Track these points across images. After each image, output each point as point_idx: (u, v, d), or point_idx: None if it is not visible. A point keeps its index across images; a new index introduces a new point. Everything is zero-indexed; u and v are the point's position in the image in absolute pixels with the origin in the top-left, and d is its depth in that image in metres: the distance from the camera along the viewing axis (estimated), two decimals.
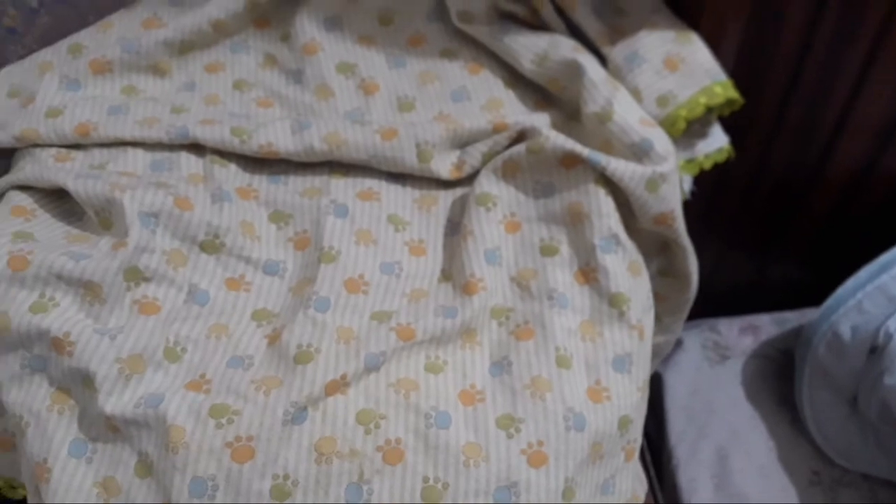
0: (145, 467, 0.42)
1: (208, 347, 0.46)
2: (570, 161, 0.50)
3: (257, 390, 0.43)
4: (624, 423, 0.48)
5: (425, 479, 0.43)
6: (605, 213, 0.50)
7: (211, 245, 0.49)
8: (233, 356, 0.46)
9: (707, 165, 0.60)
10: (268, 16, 0.63)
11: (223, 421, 0.42)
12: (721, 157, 0.61)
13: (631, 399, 0.48)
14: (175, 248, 0.48)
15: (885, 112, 0.77)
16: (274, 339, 0.47)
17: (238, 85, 0.61)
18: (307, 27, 0.61)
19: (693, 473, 0.79)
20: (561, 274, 0.50)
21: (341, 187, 0.53)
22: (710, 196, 0.84)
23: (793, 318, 0.89)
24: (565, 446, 0.45)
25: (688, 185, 0.65)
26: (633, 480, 0.52)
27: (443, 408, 0.45)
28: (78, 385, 0.44)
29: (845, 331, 0.73)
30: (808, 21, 0.68)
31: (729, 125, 0.66)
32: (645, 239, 0.54)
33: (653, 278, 0.58)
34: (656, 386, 0.86)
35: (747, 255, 0.92)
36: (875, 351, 0.71)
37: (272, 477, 0.41)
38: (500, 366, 0.48)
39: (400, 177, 0.55)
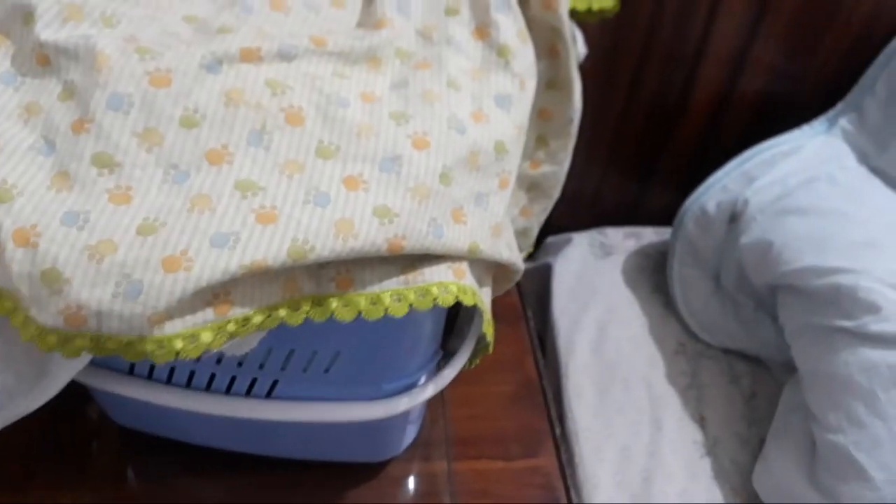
0: (68, 92, 0.46)
1: (142, 24, 0.51)
2: None
3: (180, 43, 0.49)
4: (500, 147, 0.54)
5: (320, 141, 0.49)
6: None
7: None
8: (162, 31, 0.51)
9: (596, 6, 0.69)
10: None
11: (147, 57, 0.47)
12: (608, 5, 0.70)
13: (508, 130, 0.55)
14: None
15: (737, 38, 0.88)
16: (200, 28, 0.52)
17: None
18: None
19: (572, 339, 0.85)
20: (460, 29, 0.58)
21: None
22: (590, 124, 0.94)
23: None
24: (446, 140, 0.51)
25: (582, 48, 0.75)
26: (508, 222, 0.58)
27: (344, 95, 0.51)
28: (17, 23, 0.48)
29: (711, 207, 0.83)
30: None
31: (602, 57, 0.75)
32: (535, 36, 0.63)
33: (540, 93, 0.67)
34: (546, 275, 0.93)
35: (628, 177, 1.02)
36: (734, 219, 0.80)
37: (183, 108, 0.46)
38: (398, 85, 0.54)
39: None
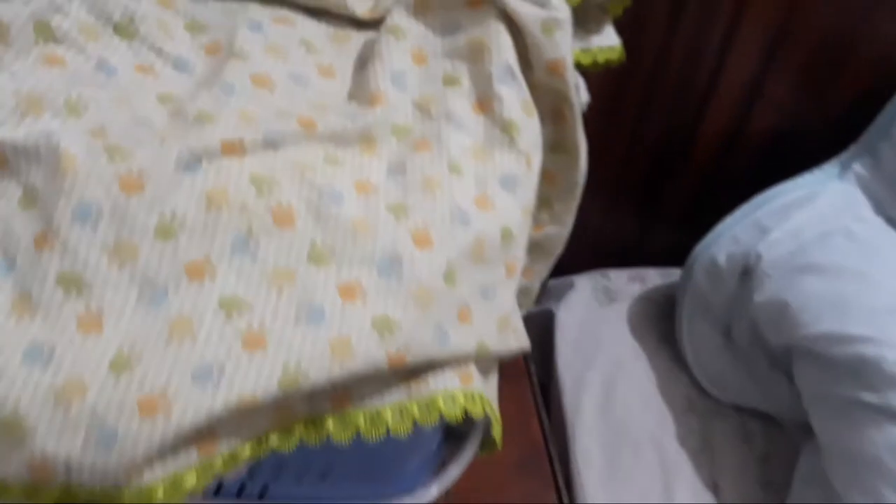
0: (30, 200, 0.41)
1: (110, 110, 0.46)
2: (475, 1, 0.54)
3: (154, 138, 0.44)
4: (506, 234, 0.50)
5: (312, 243, 0.44)
6: (503, 48, 0.53)
7: (125, 29, 0.49)
8: (134, 118, 0.46)
9: (600, 59, 0.65)
10: None
11: (117, 157, 0.42)
12: (614, 56, 0.66)
13: (514, 216, 0.51)
14: (90, 22, 0.48)
15: (749, 74, 0.85)
16: (176, 112, 0.47)
17: None
18: None
19: (578, 398, 0.81)
20: (460, 102, 0.53)
21: (258, 10, 0.55)
22: (593, 159, 0.91)
23: (677, 274, 0.94)
24: (450, 234, 0.47)
25: (584, 96, 0.71)
26: (515, 308, 0.54)
27: (337, 187, 0.46)
28: None
29: (721, 258, 0.79)
30: None
31: (607, 89, 0.71)
32: (540, 99, 0.58)
33: (545, 155, 0.62)
34: (548, 322, 0.89)
35: (631, 214, 0.98)
36: (746, 273, 0.76)
37: (159, 215, 0.41)
38: (396, 169, 0.49)
39: (316, 13, 0.57)
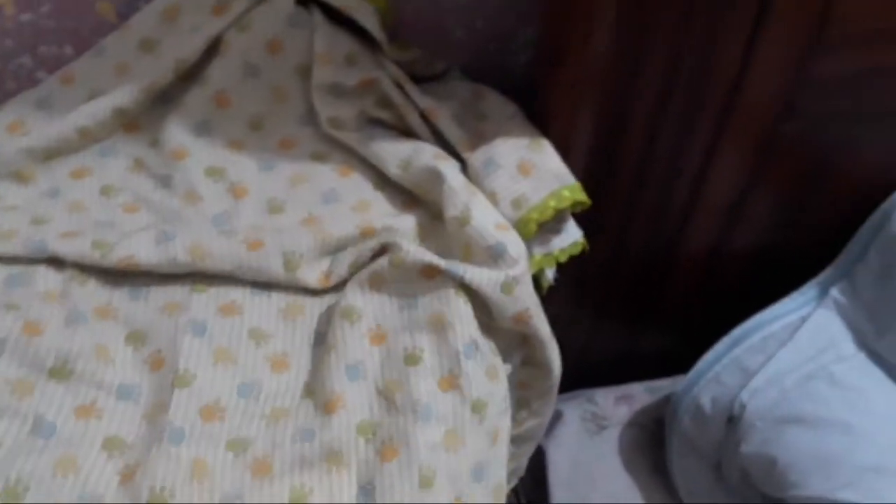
0: None
1: (53, 486, 0.44)
2: (430, 272, 0.52)
3: None
4: None
5: None
6: (465, 321, 0.52)
7: (60, 372, 0.47)
8: (80, 495, 0.44)
9: (562, 259, 0.63)
10: (137, 121, 0.63)
11: None
12: (576, 250, 0.64)
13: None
14: (21, 377, 0.46)
15: (729, 193, 0.83)
16: (127, 477, 0.45)
17: (105, 190, 0.61)
18: (176, 132, 0.62)
19: None
20: (424, 383, 0.51)
21: (203, 302, 0.53)
22: (576, 278, 0.89)
23: (665, 386, 0.94)
24: None
25: (550, 273, 0.69)
26: None
27: None
28: None
29: (706, 402, 0.78)
30: (652, 115, 0.74)
31: (587, 211, 0.71)
32: (506, 335, 0.57)
33: (517, 368, 0.61)
34: (539, 458, 0.89)
35: (618, 328, 0.97)
36: (732, 420, 0.76)
37: None
38: (366, 491, 0.48)
39: (266, 286, 0.55)
